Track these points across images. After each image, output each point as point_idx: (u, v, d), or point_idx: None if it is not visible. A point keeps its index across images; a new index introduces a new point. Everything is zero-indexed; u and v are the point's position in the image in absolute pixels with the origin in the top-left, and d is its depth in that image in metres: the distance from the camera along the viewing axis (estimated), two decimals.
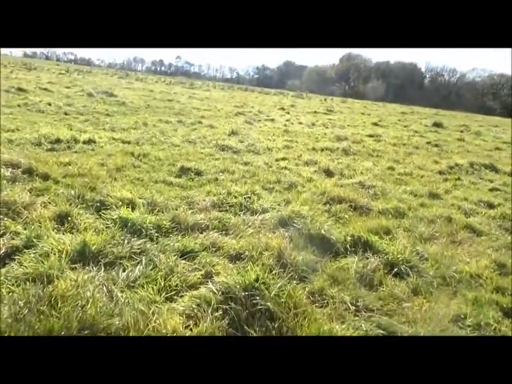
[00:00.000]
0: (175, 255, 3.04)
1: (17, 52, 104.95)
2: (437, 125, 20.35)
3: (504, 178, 8.06)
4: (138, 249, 3.05)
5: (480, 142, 15.20)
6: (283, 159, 7.60)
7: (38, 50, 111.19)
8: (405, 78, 76.96)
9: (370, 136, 13.09)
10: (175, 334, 2.34)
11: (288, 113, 18.94)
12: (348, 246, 3.55)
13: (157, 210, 3.88)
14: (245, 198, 4.54)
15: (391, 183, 6.51)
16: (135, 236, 3.27)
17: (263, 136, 10.60)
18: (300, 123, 14.93)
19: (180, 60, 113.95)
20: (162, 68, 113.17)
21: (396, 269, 3.19)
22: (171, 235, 3.44)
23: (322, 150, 9.19)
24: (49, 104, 11.57)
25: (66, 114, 10.56)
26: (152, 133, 8.64)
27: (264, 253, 3.14)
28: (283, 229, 3.72)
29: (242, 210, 4.24)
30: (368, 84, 78.42)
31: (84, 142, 6.86)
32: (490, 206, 5.69)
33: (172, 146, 7.63)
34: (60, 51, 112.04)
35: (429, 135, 16.11)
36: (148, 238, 3.30)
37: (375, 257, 3.30)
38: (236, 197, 4.55)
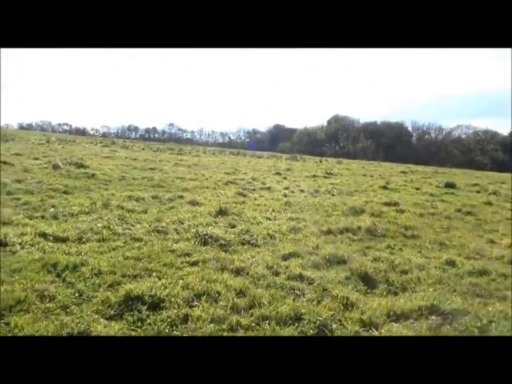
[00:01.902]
0: None
1: (14, 125, 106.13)
2: (450, 185, 18.38)
3: None
4: None
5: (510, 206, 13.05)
6: (293, 255, 5.18)
7: (34, 122, 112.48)
8: (393, 137, 77.64)
9: (388, 204, 10.86)
10: None
11: (285, 178, 16.85)
12: None
13: None
14: None
15: (471, 298, 4.06)
16: None
17: (260, 212, 8.26)
18: (302, 191, 12.71)
19: (173, 127, 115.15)
20: (156, 135, 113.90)
21: None
22: None
23: (341, 232, 6.82)
24: None
25: (8, 194, 8.23)
26: (108, 220, 6.24)
27: None
28: None
29: None
30: (358, 144, 78.75)
31: None
32: None
33: (129, 242, 5.20)
34: (55, 122, 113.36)
35: (448, 198, 14.03)
36: None
37: None
38: None
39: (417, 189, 16.72)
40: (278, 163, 28.99)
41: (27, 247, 4.59)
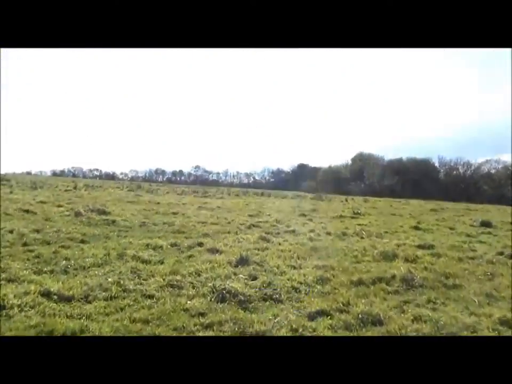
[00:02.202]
0: None
1: (47, 171, 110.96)
2: (486, 224, 17.26)
3: None
4: None
5: None
6: (321, 313, 4.58)
7: (66, 168, 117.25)
8: (419, 174, 76.22)
9: (422, 247, 10.10)
10: None
11: (310, 220, 16.24)
12: None
13: None
14: None
15: None
16: None
17: (283, 260, 7.70)
18: (328, 233, 12.07)
19: (199, 169, 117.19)
20: (182, 178, 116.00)
21: None
22: None
23: (373, 282, 6.17)
24: (11, 232, 9.13)
25: (23, 245, 8.01)
26: (120, 274, 5.83)
27: None
28: None
29: None
30: (383, 181, 77.60)
31: None
32: None
33: (140, 300, 4.74)
34: (86, 168, 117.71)
35: (486, 238, 13.08)
36: None
37: None
38: None
39: (451, 228, 15.78)
40: (302, 203, 28.47)
41: (26, 309, 4.18)
